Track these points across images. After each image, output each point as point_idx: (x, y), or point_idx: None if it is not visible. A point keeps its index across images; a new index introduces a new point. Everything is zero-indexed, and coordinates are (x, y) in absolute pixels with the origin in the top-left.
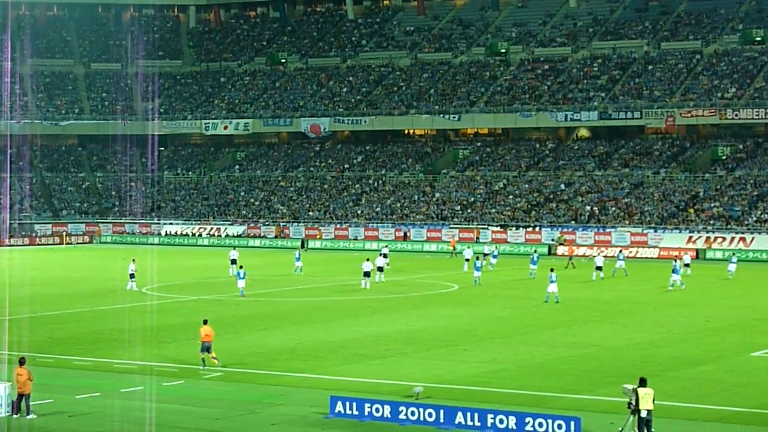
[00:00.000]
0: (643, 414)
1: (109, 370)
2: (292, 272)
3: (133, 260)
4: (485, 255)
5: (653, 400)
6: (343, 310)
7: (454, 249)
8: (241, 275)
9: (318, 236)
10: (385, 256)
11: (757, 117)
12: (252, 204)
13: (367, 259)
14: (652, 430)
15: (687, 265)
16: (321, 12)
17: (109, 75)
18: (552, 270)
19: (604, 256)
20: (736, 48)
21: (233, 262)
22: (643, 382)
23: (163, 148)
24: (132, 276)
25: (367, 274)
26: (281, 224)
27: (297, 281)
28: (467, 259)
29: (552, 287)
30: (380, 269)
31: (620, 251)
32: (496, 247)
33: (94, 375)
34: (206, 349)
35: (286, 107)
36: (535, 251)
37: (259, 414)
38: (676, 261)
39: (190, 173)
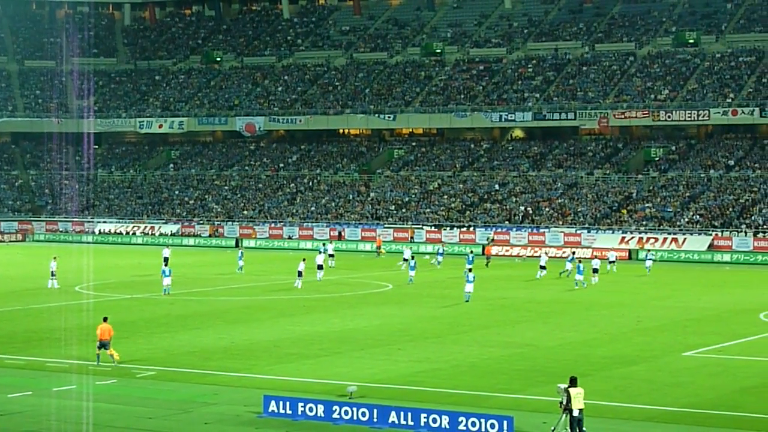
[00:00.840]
0: (576, 413)
1: (42, 369)
2: (235, 271)
3: (55, 258)
4: (434, 254)
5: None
6: (277, 310)
7: (380, 248)
8: (167, 273)
9: (252, 235)
10: (331, 256)
11: (689, 119)
12: (186, 203)
13: (303, 259)
14: (584, 429)
15: (612, 262)
16: (256, 11)
17: (43, 72)
18: (470, 270)
19: (550, 256)
20: (669, 50)
21: (166, 260)
22: (573, 382)
23: (97, 147)
24: (53, 274)
25: (300, 274)
26: (215, 223)
27: (232, 280)
28: (405, 259)
29: (468, 287)
30: (320, 267)
31: (573, 252)
32: (443, 244)
33: (27, 374)
34: (103, 346)
35: (221, 106)
36: (471, 251)
37: (193, 413)
38: (573, 254)
39: (124, 172)
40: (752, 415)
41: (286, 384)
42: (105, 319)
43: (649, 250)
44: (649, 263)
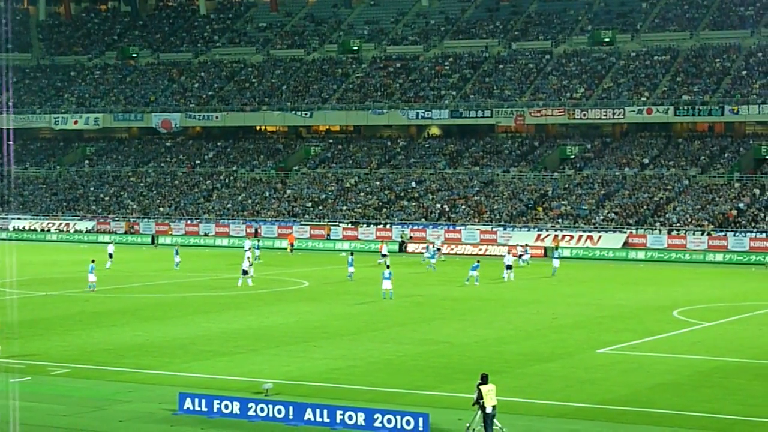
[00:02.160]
0: (488, 410)
1: None
2: (172, 268)
3: None
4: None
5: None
6: (192, 307)
7: (292, 245)
8: (91, 269)
9: (168, 232)
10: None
11: (605, 117)
12: (102, 199)
13: (248, 258)
14: (498, 424)
15: (520, 256)
16: (173, 7)
17: None
18: (388, 267)
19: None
20: (585, 49)
21: (110, 255)
22: (485, 379)
23: (11, 143)
24: None
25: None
26: (131, 220)
27: (147, 277)
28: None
29: (386, 284)
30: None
31: (526, 246)
32: (432, 244)
33: None
34: None
35: (137, 102)
36: (433, 245)
37: (107, 410)
38: (428, 247)
39: (38, 168)
40: (665, 411)
41: (201, 381)
42: None
43: (556, 247)
44: (556, 263)
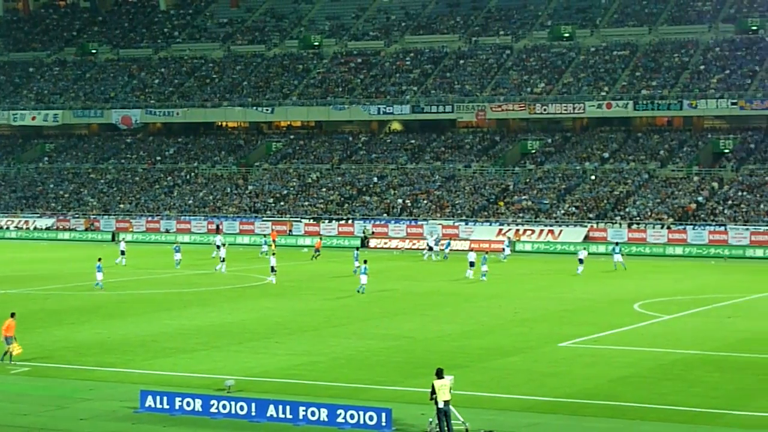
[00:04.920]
0: (440, 405)
1: None
2: (114, 263)
3: None
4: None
5: (450, 390)
6: (154, 304)
7: (318, 251)
8: (99, 268)
9: (129, 229)
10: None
11: (565, 111)
12: (61, 196)
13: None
14: (460, 419)
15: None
16: (132, 2)
17: None
18: (365, 262)
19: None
20: (545, 44)
21: (122, 252)
22: (439, 374)
23: None
24: None
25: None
26: (91, 217)
27: (109, 275)
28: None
29: (363, 279)
30: (222, 260)
31: (508, 240)
32: (436, 238)
33: None
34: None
35: (97, 98)
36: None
37: (68, 409)
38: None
39: None
40: (627, 404)
41: (163, 379)
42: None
43: (508, 239)
44: (507, 251)
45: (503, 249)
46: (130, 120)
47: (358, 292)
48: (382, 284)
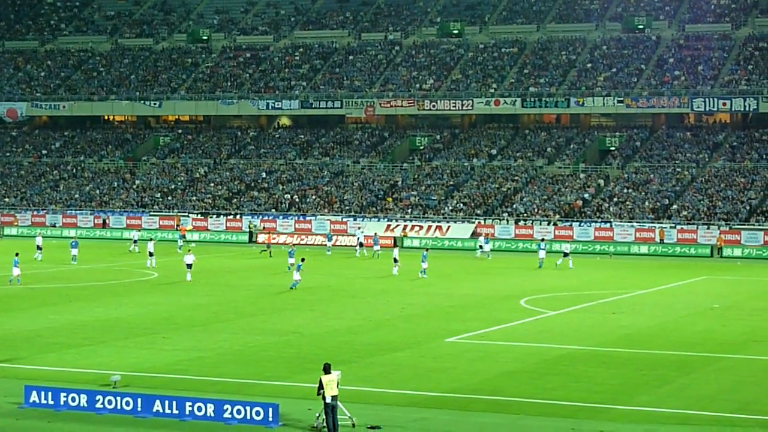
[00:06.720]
0: (328, 400)
1: None
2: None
3: None
4: (482, 248)
5: (338, 385)
6: (39, 299)
7: (184, 236)
8: (15, 263)
9: (14, 223)
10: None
11: (453, 108)
12: None
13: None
14: (347, 414)
15: (480, 247)
16: None
17: None
18: (303, 260)
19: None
20: (434, 40)
21: (39, 248)
22: (326, 369)
23: None
24: None
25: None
26: None
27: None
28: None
29: (296, 275)
30: (151, 253)
31: (486, 236)
32: (485, 235)
33: None
34: None
35: None
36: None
37: None
38: (292, 248)
39: None
40: (512, 399)
41: (48, 374)
42: None
43: (376, 233)
44: (377, 247)
45: (481, 246)
46: (16, 113)
47: (292, 288)
48: (269, 279)
